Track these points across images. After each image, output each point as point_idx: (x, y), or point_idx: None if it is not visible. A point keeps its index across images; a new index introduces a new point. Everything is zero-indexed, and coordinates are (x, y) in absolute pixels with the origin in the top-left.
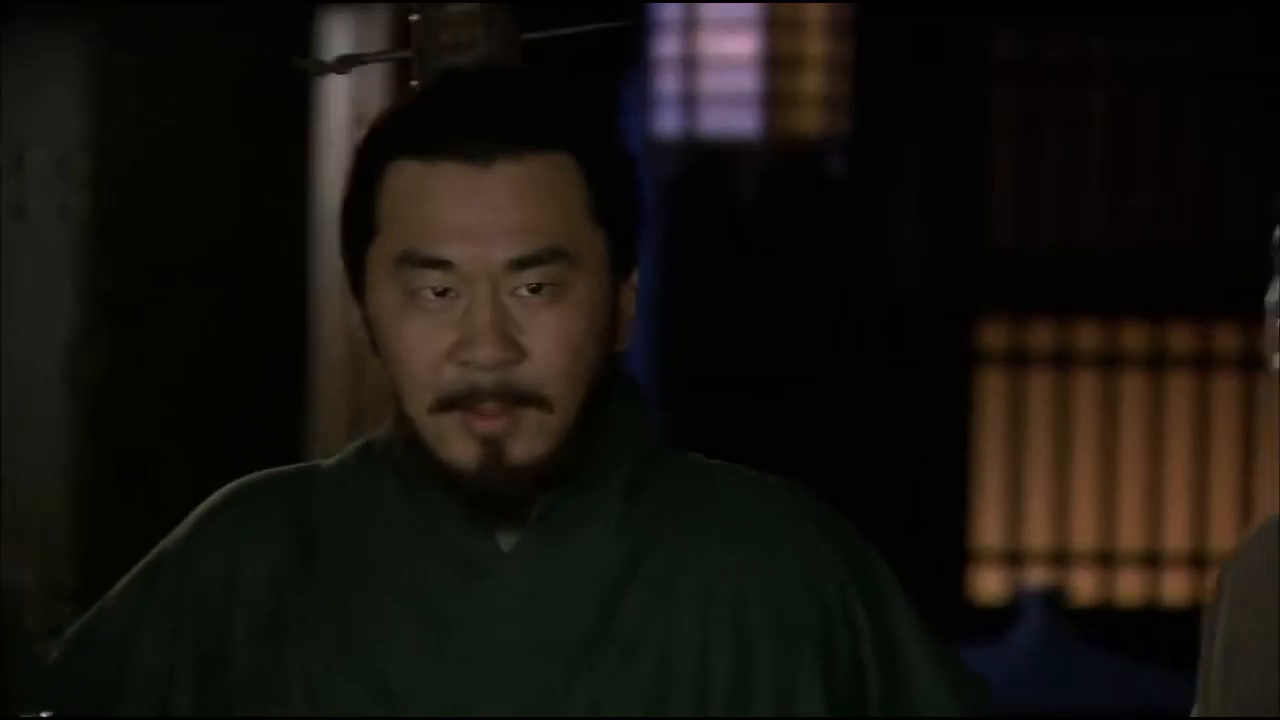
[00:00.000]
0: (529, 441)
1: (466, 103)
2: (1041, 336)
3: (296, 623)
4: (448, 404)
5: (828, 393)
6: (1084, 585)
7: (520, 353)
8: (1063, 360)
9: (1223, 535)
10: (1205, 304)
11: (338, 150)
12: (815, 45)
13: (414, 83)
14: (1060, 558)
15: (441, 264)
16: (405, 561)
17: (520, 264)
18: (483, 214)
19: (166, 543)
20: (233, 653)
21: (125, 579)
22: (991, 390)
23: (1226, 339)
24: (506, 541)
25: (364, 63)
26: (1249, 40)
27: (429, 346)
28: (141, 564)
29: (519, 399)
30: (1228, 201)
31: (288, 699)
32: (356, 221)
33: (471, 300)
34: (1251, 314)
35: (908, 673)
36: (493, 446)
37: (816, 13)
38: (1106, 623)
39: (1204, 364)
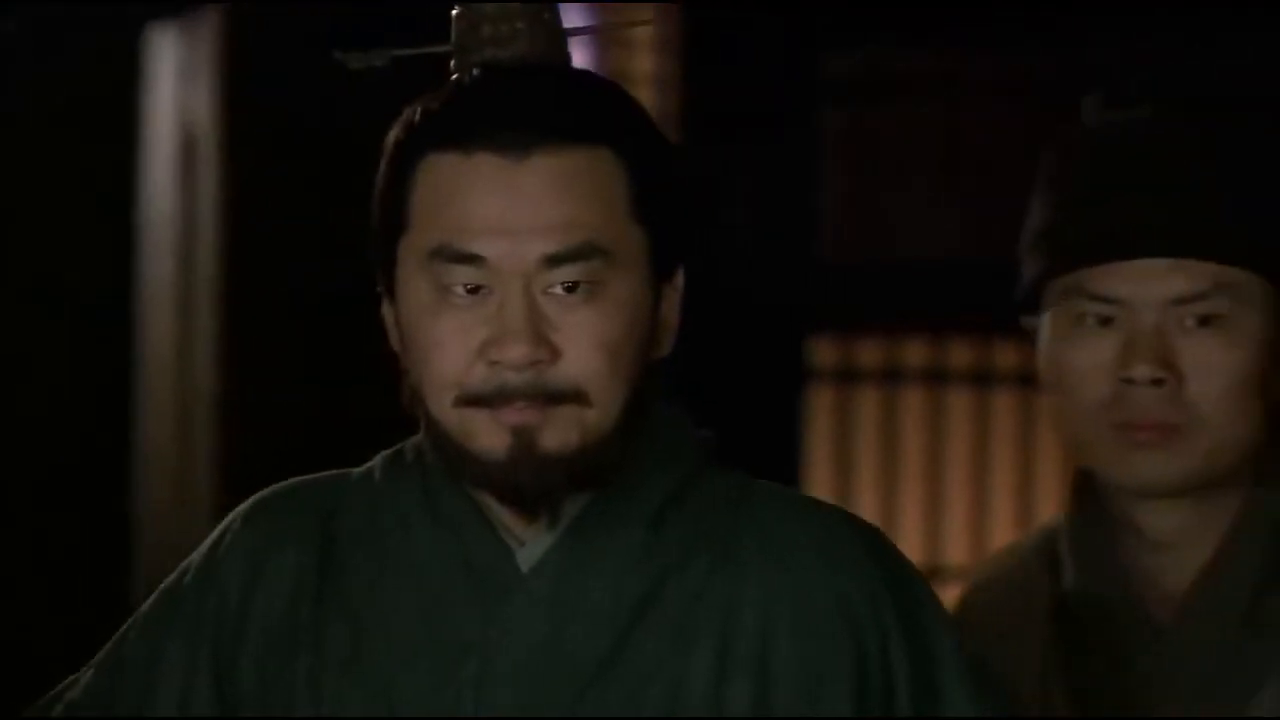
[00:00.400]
0: (563, 433)
1: (502, 95)
2: (870, 353)
3: (310, 640)
4: (474, 400)
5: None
6: None
7: (554, 352)
8: (891, 376)
9: None
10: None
11: (164, 157)
12: (644, 62)
13: (453, 77)
14: None
15: (474, 259)
16: (422, 579)
17: (555, 260)
18: (517, 208)
19: (193, 556)
20: (245, 670)
21: (153, 596)
22: (821, 406)
23: None
24: (531, 547)
25: (404, 56)
26: (1066, 58)
27: (459, 344)
28: (167, 581)
29: (551, 398)
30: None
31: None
32: (388, 217)
33: (504, 297)
34: None
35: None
36: (524, 436)
37: (645, 30)
38: None
39: (1029, 381)
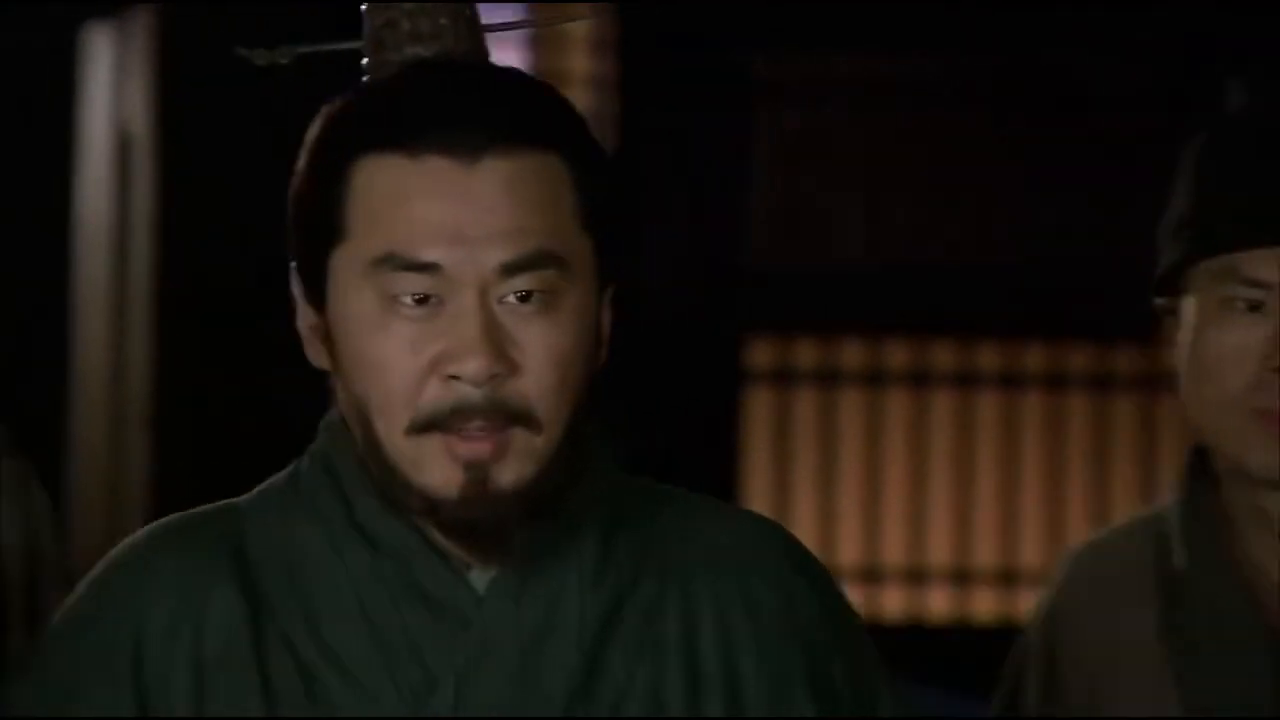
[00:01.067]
0: (516, 466)
1: (447, 95)
2: (806, 355)
3: (257, 685)
4: (428, 425)
5: (595, 412)
6: (852, 599)
7: (511, 366)
8: (828, 378)
9: (989, 551)
10: (967, 322)
11: (99, 159)
12: (579, 62)
13: (365, 77)
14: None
15: (427, 267)
16: (370, 613)
17: (512, 268)
18: (472, 214)
19: (62, 624)
20: None
21: (25, 671)
22: (758, 408)
23: (989, 355)
24: (480, 572)
25: (311, 54)
26: (997, 58)
27: (409, 360)
28: (41, 649)
29: (509, 418)
30: (997, 218)
31: None
32: (318, 223)
33: (458, 308)
34: (1010, 331)
35: (877, 707)
36: (477, 472)
37: (581, 29)
38: (877, 639)
39: (967, 380)
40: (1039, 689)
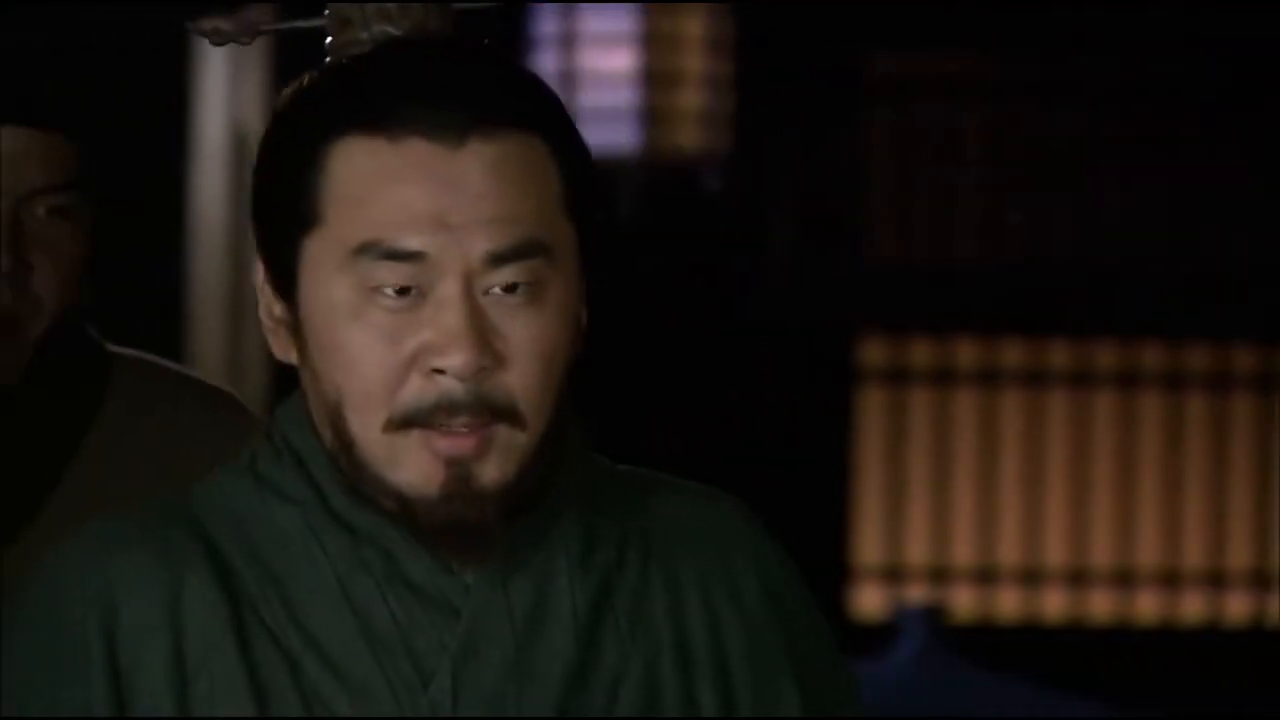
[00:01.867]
0: (500, 463)
1: (427, 75)
2: (920, 353)
3: (247, 683)
4: (407, 421)
5: (707, 411)
6: (964, 602)
7: (496, 359)
8: (942, 377)
9: (1103, 552)
10: (1082, 321)
11: (215, 158)
12: (694, 61)
13: (329, 57)
14: (940, 575)
15: (411, 256)
16: (354, 605)
17: (499, 258)
18: (457, 200)
19: (7, 628)
20: None
21: None
22: (871, 407)
23: (1106, 356)
24: (463, 567)
25: (270, 32)
26: (1120, 60)
27: (388, 352)
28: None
29: (494, 414)
30: (1103, 220)
31: None
32: (289, 208)
33: (442, 299)
34: (1128, 331)
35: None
36: (459, 469)
37: (695, 29)
38: (987, 640)
39: (1082, 380)
40: None
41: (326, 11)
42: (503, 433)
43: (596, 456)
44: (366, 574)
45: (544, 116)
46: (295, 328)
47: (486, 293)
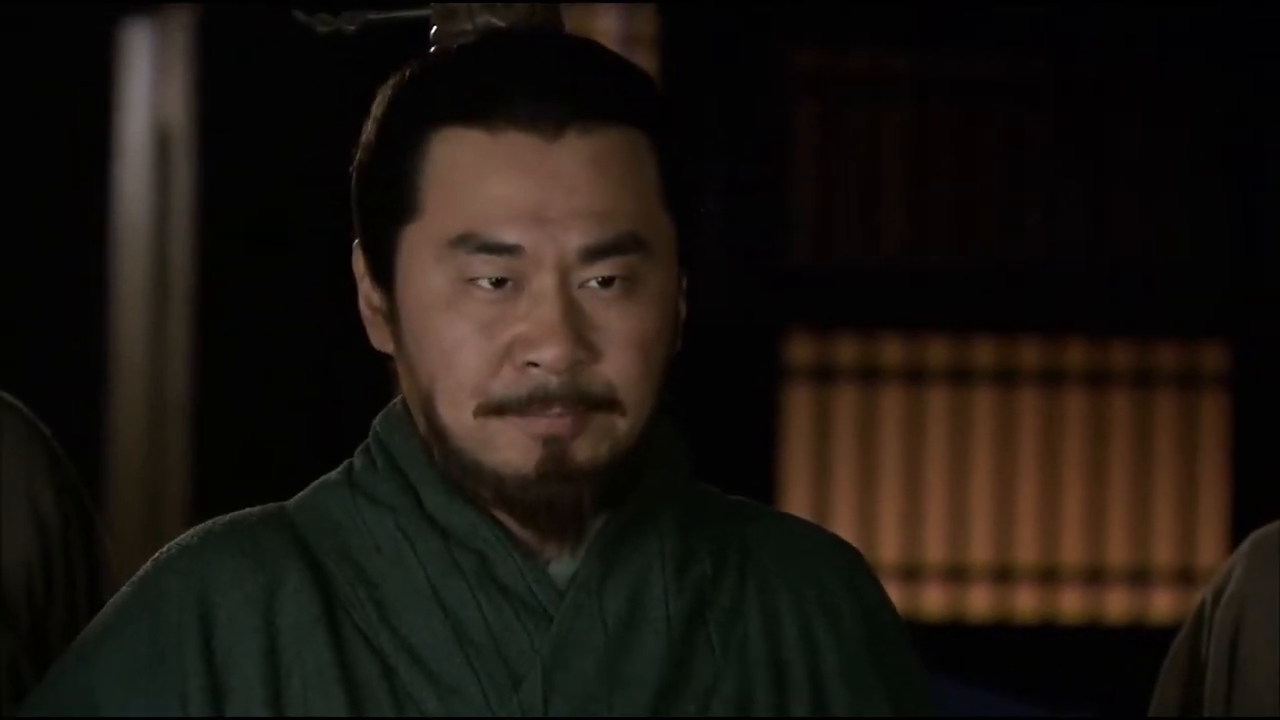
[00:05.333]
0: (595, 443)
1: (527, 66)
2: (846, 351)
3: (343, 680)
4: (500, 409)
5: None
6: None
7: (592, 352)
8: (868, 375)
9: (1028, 549)
10: (1006, 319)
11: (138, 155)
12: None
13: (433, 48)
14: None
15: (507, 249)
16: (447, 608)
17: (594, 253)
18: (554, 193)
19: (113, 618)
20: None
21: (57, 676)
22: (797, 405)
23: (1030, 353)
24: (558, 565)
25: (376, 24)
26: (1047, 56)
27: (482, 343)
28: (89, 643)
29: (591, 405)
30: (1028, 216)
31: None
32: (389, 199)
33: (537, 292)
34: (1054, 330)
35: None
36: (555, 447)
37: (610, 24)
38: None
39: (1006, 377)
40: (1220, 678)
41: (431, 3)
42: (600, 417)
43: (702, 483)
44: (459, 577)
45: (645, 110)
46: (392, 317)
47: (582, 286)
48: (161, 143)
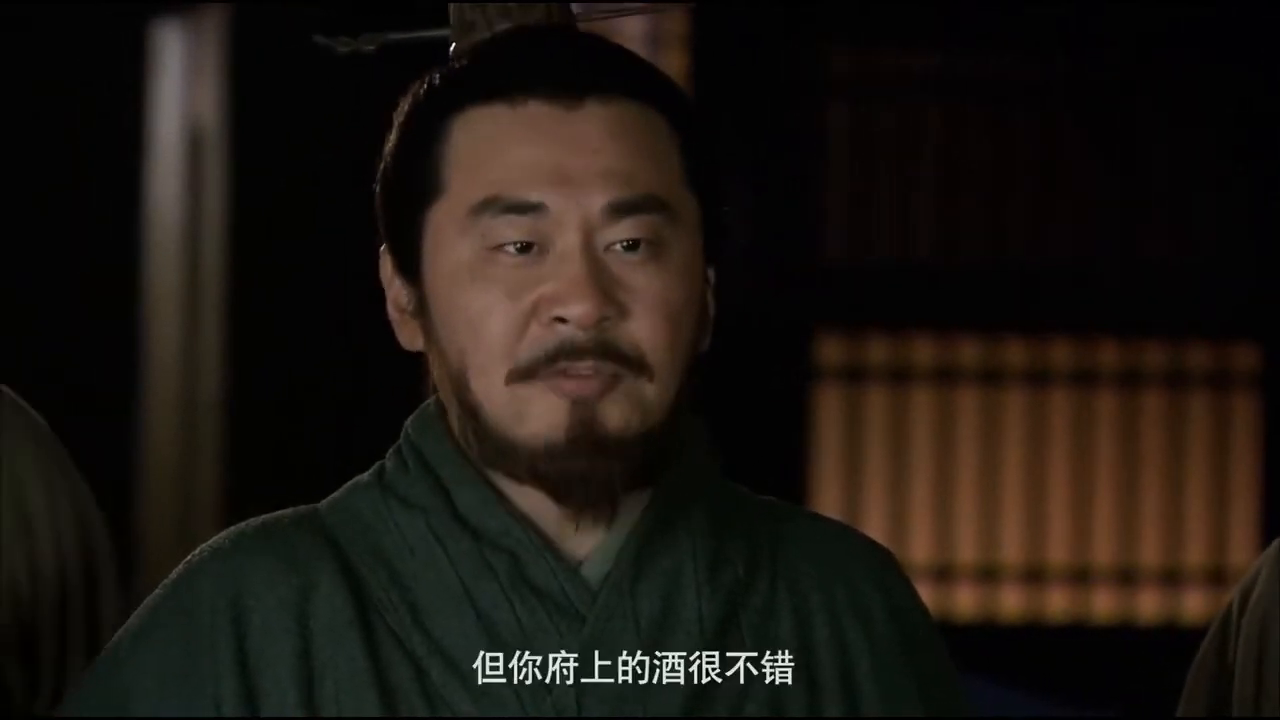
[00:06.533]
0: (623, 410)
1: (544, 46)
2: (877, 352)
3: (376, 684)
4: (530, 371)
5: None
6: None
7: (620, 310)
8: (899, 375)
9: (1059, 550)
10: (1040, 319)
11: (169, 156)
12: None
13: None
14: None
15: (531, 208)
16: (479, 609)
17: (618, 210)
18: (576, 154)
19: (148, 619)
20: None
21: (96, 679)
22: (828, 406)
23: (1061, 355)
24: (590, 564)
25: (394, 42)
26: (1078, 58)
27: (511, 307)
28: (123, 644)
29: (620, 360)
30: (1061, 216)
31: None
32: (413, 185)
33: (562, 252)
34: (1086, 330)
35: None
36: (584, 410)
37: (635, 23)
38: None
39: (1039, 378)
40: (1247, 680)
41: (450, 17)
42: (628, 380)
43: (733, 483)
44: (491, 578)
45: (660, 91)
46: (420, 310)
47: (607, 249)
48: (193, 143)
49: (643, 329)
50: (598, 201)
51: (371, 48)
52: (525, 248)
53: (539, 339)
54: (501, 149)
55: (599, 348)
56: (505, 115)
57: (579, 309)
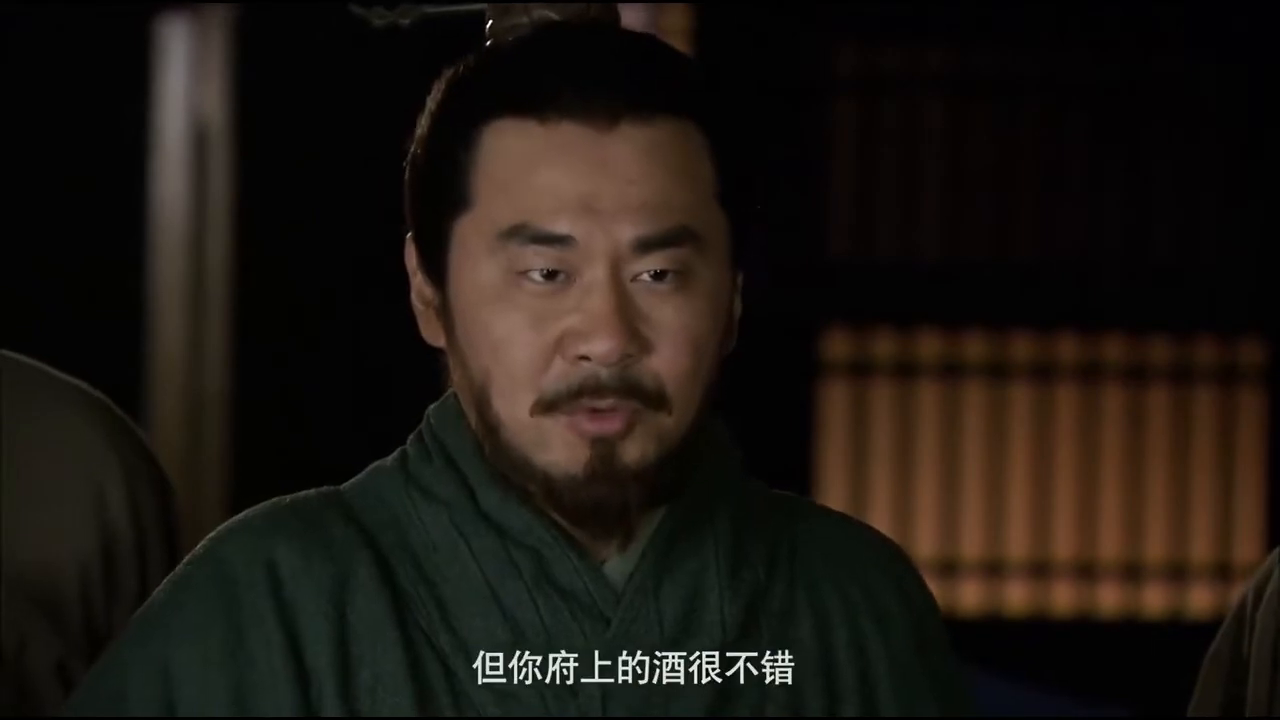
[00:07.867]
0: (643, 444)
1: (580, 56)
2: (883, 347)
3: (411, 679)
4: (553, 404)
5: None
6: None
7: (643, 345)
8: (905, 370)
9: (1065, 545)
10: (1045, 315)
11: (175, 152)
12: None
13: (489, 41)
14: None
15: (559, 240)
16: (504, 607)
17: (647, 244)
18: (608, 184)
19: (178, 592)
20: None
21: (115, 656)
22: (834, 400)
23: (1067, 350)
24: (611, 566)
25: (429, 16)
26: (1086, 52)
27: (535, 337)
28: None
29: (641, 398)
30: (1067, 212)
31: None
32: (442, 191)
33: (589, 284)
34: (1091, 326)
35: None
36: (604, 448)
37: (634, 17)
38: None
39: (1044, 373)
40: (1262, 678)
41: None
42: (648, 416)
43: (752, 479)
44: (516, 577)
45: (701, 104)
46: (444, 311)
47: (634, 279)
48: (199, 139)
49: (665, 363)
50: (627, 234)
51: (407, 21)
52: (552, 275)
53: (563, 374)
54: (531, 170)
55: (622, 385)
56: (537, 133)
57: (603, 348)
